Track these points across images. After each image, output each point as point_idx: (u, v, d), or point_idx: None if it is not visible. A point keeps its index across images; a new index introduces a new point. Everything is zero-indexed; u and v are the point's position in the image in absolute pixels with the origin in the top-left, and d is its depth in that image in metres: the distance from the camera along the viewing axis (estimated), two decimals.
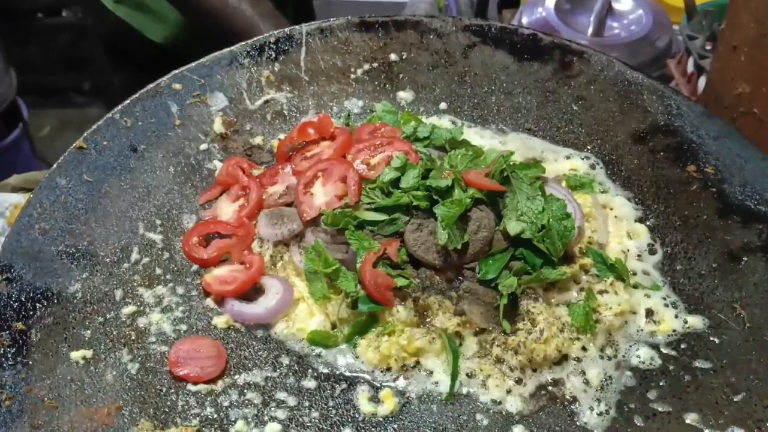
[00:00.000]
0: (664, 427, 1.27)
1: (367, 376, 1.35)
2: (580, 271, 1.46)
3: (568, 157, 1.69)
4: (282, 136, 1.73)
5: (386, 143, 1.59)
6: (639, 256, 1.52)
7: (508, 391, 1.33)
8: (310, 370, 1.36)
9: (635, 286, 1.46)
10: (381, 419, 1.30)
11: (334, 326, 1.41)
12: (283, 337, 1.41)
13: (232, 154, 1.68)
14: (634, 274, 1.49)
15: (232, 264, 1.50)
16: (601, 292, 1.43)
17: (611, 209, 1.58)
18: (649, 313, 1.43)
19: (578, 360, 1.36)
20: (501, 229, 1.43)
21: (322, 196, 1.51)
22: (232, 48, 1.79)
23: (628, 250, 1.52)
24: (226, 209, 1.58)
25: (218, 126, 1.71)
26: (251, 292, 1.45)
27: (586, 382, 1.34)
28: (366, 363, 1.37)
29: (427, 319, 1.39)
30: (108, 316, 1.40)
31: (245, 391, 1.33)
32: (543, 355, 1.34)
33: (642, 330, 1.41)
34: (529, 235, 1.40)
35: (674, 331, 1.40)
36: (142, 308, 1.42)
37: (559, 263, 1.43)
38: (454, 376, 1.33)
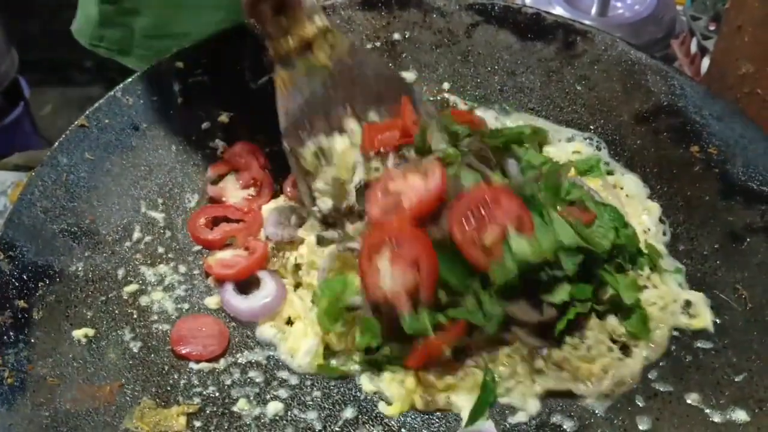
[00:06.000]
0: (665, 408, 1.27)
1: None
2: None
3: (570, 139, 1.68)
4: None
5: (491, 200, 1.28)
6: (664, 234, 1.50)
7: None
8: None
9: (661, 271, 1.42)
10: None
11: (327, 346, 1.35)
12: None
13: (234, 134, 1.67)
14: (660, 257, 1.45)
15: (236, 249, 1.49)
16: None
17: (621, 188, 1.57)
18: None
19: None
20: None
21: (388, 278, 1.26)
22: (235, 26, 1.77)
23: (648, 230, 1.50)
24: (234, 192, 1.57)
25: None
26: (251, 281, 1.44)
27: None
28: (391, 396, 1.30)
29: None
30: (110, 294, 1.40)
31: (247, 369, 1.34)
32: (588, 374, 1.28)
33: None
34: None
35: None
36: (144, 287, 1.43)
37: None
38: (479, 412, 1.24)
